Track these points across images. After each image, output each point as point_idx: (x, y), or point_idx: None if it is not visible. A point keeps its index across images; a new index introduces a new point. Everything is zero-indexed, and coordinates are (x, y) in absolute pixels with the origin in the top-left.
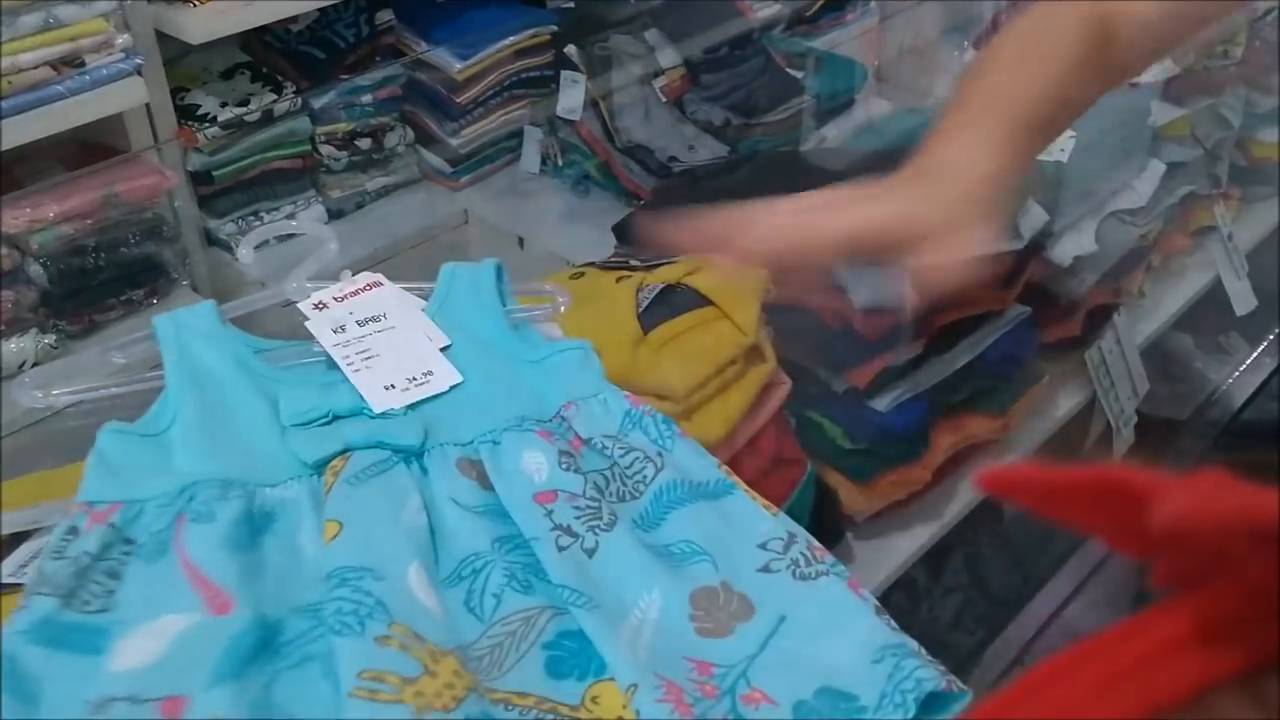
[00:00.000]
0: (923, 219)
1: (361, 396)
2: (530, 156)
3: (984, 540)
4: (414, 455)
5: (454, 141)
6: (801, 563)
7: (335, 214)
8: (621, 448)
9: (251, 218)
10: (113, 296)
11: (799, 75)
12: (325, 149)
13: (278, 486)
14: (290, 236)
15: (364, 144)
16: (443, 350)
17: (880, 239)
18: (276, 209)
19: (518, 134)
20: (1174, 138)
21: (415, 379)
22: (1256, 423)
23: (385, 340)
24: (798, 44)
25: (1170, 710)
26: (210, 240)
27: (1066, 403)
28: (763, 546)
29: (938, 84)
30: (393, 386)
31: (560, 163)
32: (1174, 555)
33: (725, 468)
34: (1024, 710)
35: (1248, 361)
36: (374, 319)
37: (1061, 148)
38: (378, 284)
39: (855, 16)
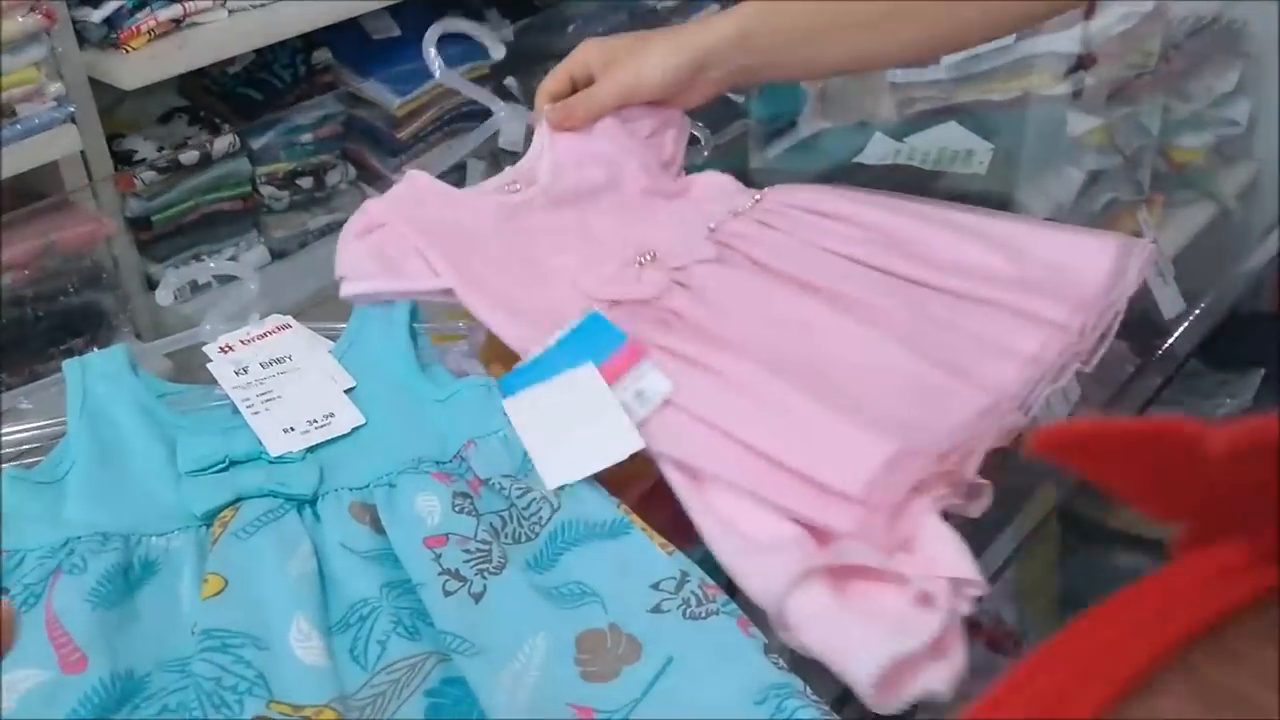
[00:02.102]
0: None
1: (260, 441)
2: (474, 177)
3: None
4: (307, 502)
5: (396, 178)
6: (693, 602)
7: (278, 254)
8: (520, 488)
9: (193, 261)
10: (53, 346)
11: (739, 100)
12: (266, 189)
13: (163, 537)
14: (234, 277)
15: (305, 183)
16: (347, 391)
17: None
18: (218, 251)
19: (461, 168)
20: (1093, 146)
21: (316, 421)
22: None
23: (288, 382)
24: None
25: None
26: (151, 286)
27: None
28: (655, 586)
29: (881, 105)
30: (292, 429)
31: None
32: (1210, 512)
33: (624, 507)
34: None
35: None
36: (278, 361)
37: (980, 160)
38: (286, 326)
39: None
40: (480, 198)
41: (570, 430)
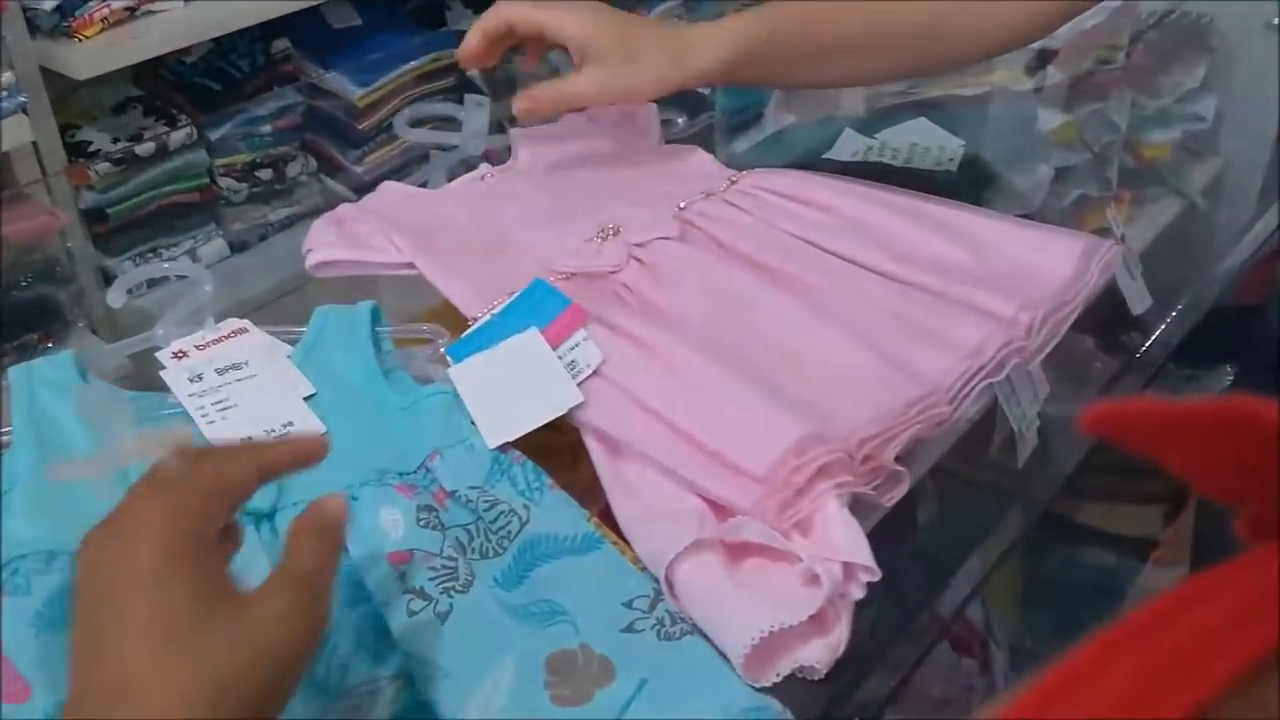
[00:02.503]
0: (620, 52)
1: None
2: (437, 182)
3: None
4: (264, 517)
5: (357, 169)
6: (667, 621)
7: (238, 247)
8: (487, 500)
9: (150, 254)
10: (6, 342)
11: (705, 91)
12: (224, 181)
13: None
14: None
15: (265, 175)
16: (306, 399)
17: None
18: (176, 245)
19: (424, 159)
20: (1063, 143)
21: (273, 430)
22: None
23: (244, 390)
24: None
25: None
26: (107, 280)
27: (967, 411)
28: (628, 604)
29: (844, 96)
30: (249, 439)
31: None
32: (1274, 494)
33: (596, 520)
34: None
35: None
36: (234, 367)
37: (951, 157)
38: (243, 330)
39: None
40: (451, 192)
41: (512, 392)
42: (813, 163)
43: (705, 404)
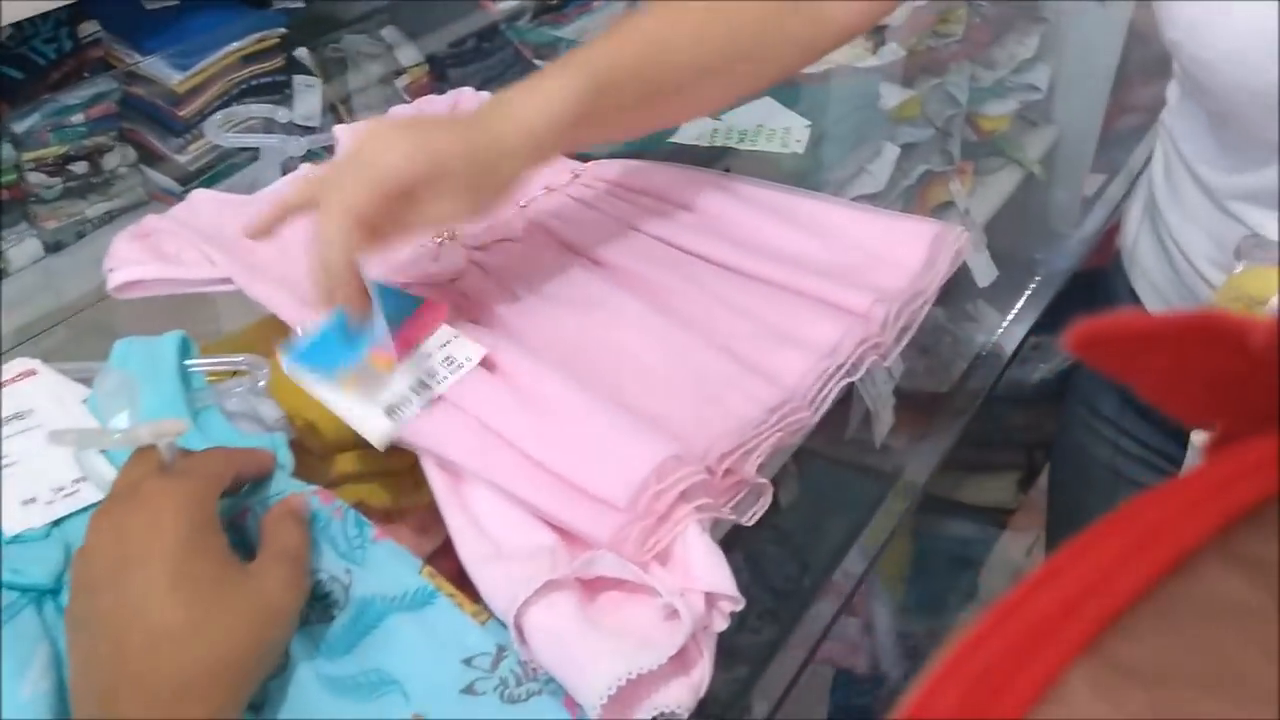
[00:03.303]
0: (455, 164)
1: None
2: (269, 178)
3: (764, 536)
4: (48, 593)
5: (181, 158)
6: (511, 681)
7: (53, 247)
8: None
9: None
10: None
11: (537, 63)
12: (34, 177)
13: None
14: None
15: (79, 168)
16: (103, 450)
17: (399, 183)
18: None
19: (253, 145)
20: (906, 119)
21: (63, 489)
22: (1017, 386)
23: (28, 444)
24: (545, 34)
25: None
26: None
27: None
28: (467, 662)
29: None
30: (33, 500)
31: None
32: (1248, 411)
33: (430, 570)
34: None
35: (1001, 329)
36: (17, 417)
37: (798, 139)
38: (30, 373)
39: (602, 3)
40: (269, 198)
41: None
42: (658, 147)
43: (555, 425)
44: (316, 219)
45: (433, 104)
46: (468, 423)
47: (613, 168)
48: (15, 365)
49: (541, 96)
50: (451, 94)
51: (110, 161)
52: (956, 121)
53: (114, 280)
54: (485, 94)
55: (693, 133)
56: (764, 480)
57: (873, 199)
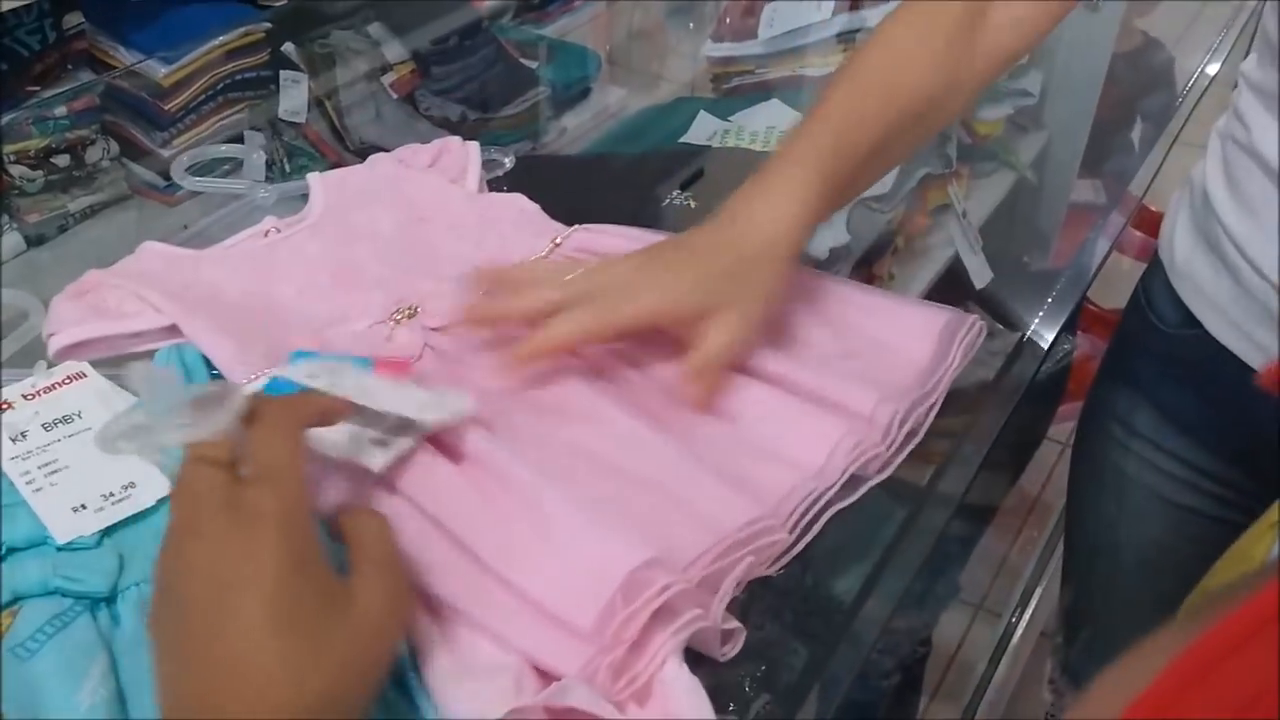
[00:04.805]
0: (711, 301)
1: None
2: (253, 163)
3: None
4: (103, 601)
5: (165, 152)
6: None
7: (35, 240)
8: None
9: None
10: None
11: (532, 65)
12: (16, 169)
13: None
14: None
15: (62, 161)
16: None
17: (671, 320)
18: None
19: (238, 139)
20: None
21: (113, 495)
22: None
23: (77, 448)
24: (528, 33)
25: None
26: None
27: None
28: None
29: (668, 67)
30: (83, 507)
31: (288, 168)
32: None
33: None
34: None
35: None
36: (65, 420)
37: None
38: (80, 375)
39: (583, 2)
40: (223, 251)
41: None
42: (669, 147)
43: (515, 537)
44: (575, 313)
45: (417, 154)
46: (421, 523)
47: (597, 238)
48: (63, 369)
49: (782, 200)
50: (437, 143)
51: (93, 155)
52: (954, 125)
53: (55, 344)
54: (472, 144)
55: (702, 132)
56: (736, 624)
57: (879, 201)
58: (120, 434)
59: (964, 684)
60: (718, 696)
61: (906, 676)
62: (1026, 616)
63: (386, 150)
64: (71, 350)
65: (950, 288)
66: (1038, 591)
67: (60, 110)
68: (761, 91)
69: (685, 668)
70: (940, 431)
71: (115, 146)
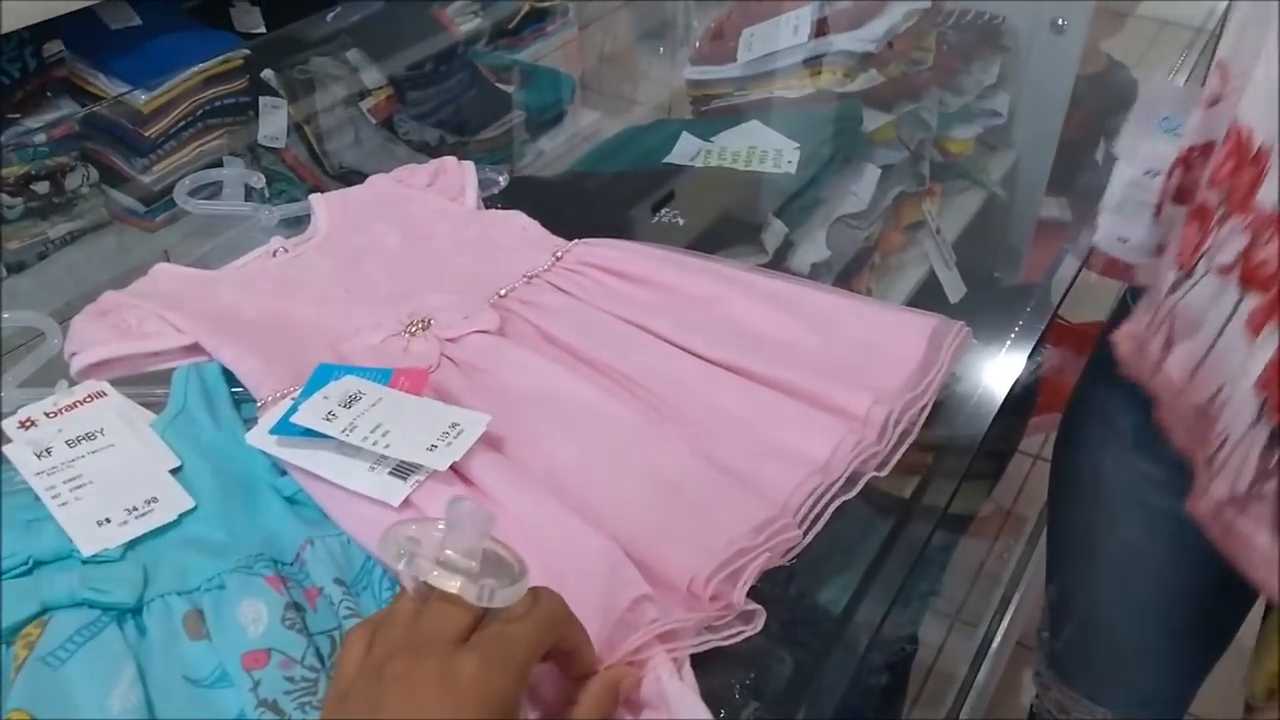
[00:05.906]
0: None
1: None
2: (233, 188)
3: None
4: (129, 612)
5: (145, 179)
6: None
7: (15, 267)
8: (349, 607)
9: None
10: None
11: (508, 90)
12: None
13: None
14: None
15: (41, 188)
16: (172, 472)
17: None
18: None
19: (217, 165)
20: (883, 141)
21: (136, 509)
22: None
23: (101, 463)
24: (502, 58)
25: None
26: None
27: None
28: None
29: (640, 90)
30: (107, 521)
31: (268, 193)
32: None
33: None
34: None
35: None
36: (88, 437)
37: (789, 159)
38: (100, 394)
39: (556, 27)
40: (235, 276)
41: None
42: (653, 167)
43: (524, 552)
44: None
45: (415, 174)
46: None
47: (598, 250)
48: (84, 388)
49: None
50: (434, 163)
51: (72, 181)
52: (927, 144)
53: (78, 364)
54: (468, 163)
55: (685, 152)
56: (755, 606)
57: (857, 218)
58: (399, 546)
59: (944, 693)
60: (708, 704)
61: (893, 676)
62: (1004, 626)
63: (365, 174)
64: (93, 369)
65: (925, 302)
66: (1014, 601)
67: (40, 137)
68: (739, 114)
69: (676, 677)
70: (922, 444)
71: (95, 173)
